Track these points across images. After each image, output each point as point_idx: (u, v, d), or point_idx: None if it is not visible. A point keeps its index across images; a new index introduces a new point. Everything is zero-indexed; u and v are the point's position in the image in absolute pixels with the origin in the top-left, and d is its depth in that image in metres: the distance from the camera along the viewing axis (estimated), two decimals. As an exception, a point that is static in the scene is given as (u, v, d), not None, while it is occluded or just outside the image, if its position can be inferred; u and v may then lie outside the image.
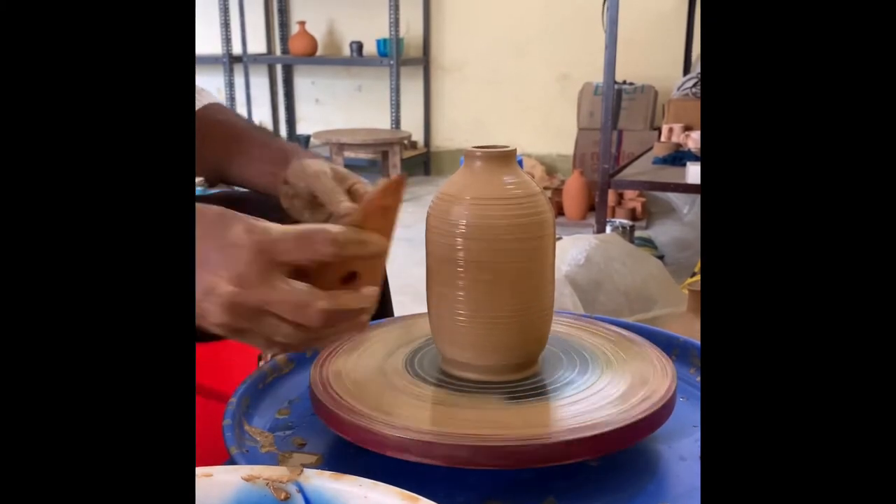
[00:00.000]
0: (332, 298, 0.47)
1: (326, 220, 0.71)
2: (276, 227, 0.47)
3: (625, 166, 2.64)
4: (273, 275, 0.46)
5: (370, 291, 0.49)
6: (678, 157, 2.55)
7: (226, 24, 4.40)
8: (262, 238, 0.46)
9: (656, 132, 3.38)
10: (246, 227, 0.46)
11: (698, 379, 0.75)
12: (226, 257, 0.46)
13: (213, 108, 0.90)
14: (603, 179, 2.28)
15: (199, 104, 0.91)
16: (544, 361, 0.69)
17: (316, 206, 0.73)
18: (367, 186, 0.70)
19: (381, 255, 0.49)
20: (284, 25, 4.64)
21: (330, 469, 0.44)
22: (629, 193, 3.30)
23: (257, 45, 4.66)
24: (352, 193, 0.68)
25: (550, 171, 4.06)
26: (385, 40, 4.18)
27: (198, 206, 0.47)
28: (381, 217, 0.51)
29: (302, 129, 4.73)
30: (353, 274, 0.49)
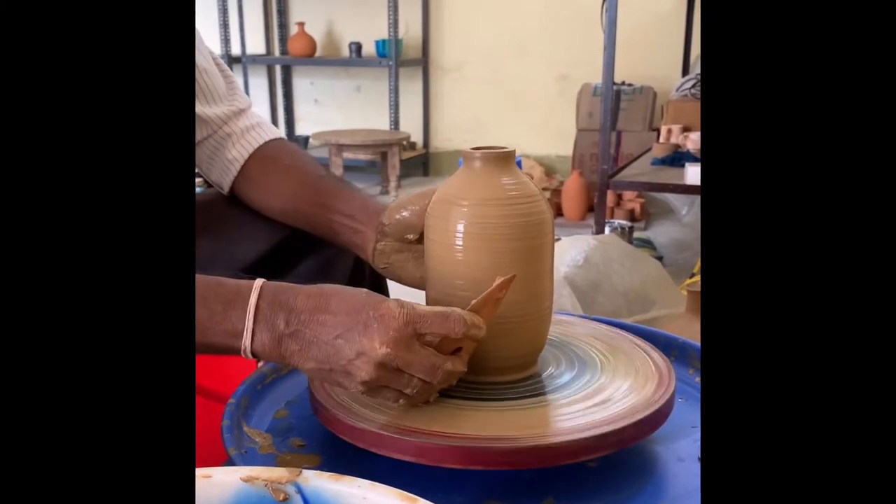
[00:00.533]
0: (452, 363, 0.58)
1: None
2: (420, 306, 0.58)
3: (624, 167, 2.64)
4: (414, 342, 0.56)
5: (467, 360, 0.60)
6: (677, 158, 2.55)
7: (225, 25, 4.39)
8: (411, 312, 0.56)
9: (655, 133, 3.38)
10: (398, 303, 0.57)
11: (697, 380, 0.75)
12: (381, 325, 0.55)
13: (294, 150, 0.96)
14: (602, 180, 2.28)
15: (263, 137, 0.95)
16: (543, 362, 0.69)
17: (404, 248, 0.76)
18: None
19: (478, 339, 0.60)
20: (283, 26, 4.64)
21: (329, 470, 0.44)
22: (628, 194, 3.30)
23: (256, 45, 4.66)
24: None
25: (549, 171, 4.06)
26: (384, 41, 4.18)
27: (349, 289, 0.59)
28: (493, 307, 0.61)
29: (301, 129, 4.73)
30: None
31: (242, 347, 0.59)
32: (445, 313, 0.57)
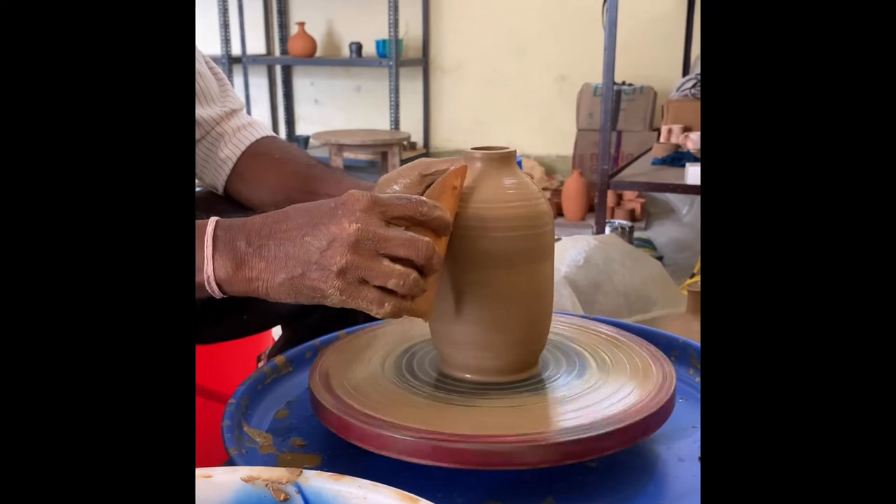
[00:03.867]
0: (432, 241, 0.57)
1: None
2: (381, 193, 0.56)
3: (624, 167, 2.64)
4: (383, 222, 0.55)
5: (442, 249, 0.59)
6: (677, 158, 2.55)
7: (225, 25, 4.39)
8: (374, 196, 0.55)
9: (655, 133, 3.38)
10: (359, 192, 0.55)
11: (697, 380, 0.75)
12: (347, 208, 0.54)
13: (285, 146, 0.96)
14: (602, 180, 2.28)
15: (254, 135, 0.95)
16: (543, 362, 0.69)
17: None
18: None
19: (447, 228, 0.59)
20: (284, 26, 4.64)
21: (329, 470, 0.44)
22: (628, 194, 3.30)
23: (256, 45, 4.66)
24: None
25: (550, 171, 4.06)
26: (384, 41, 4.18)
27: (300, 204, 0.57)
28: (451, 197, 0.61)
29: (301, 129, 4.73)
30: None
31: (206, 278, 0.57)
32: (408, 196, 0.56)
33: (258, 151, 0.95)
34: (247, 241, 0.56)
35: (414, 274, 0.55)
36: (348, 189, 0.79)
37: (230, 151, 0.94)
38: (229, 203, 0.95)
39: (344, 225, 0.54)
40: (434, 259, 0.56)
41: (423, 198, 0.57)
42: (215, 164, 0.94)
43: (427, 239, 0.56)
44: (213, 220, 0.58)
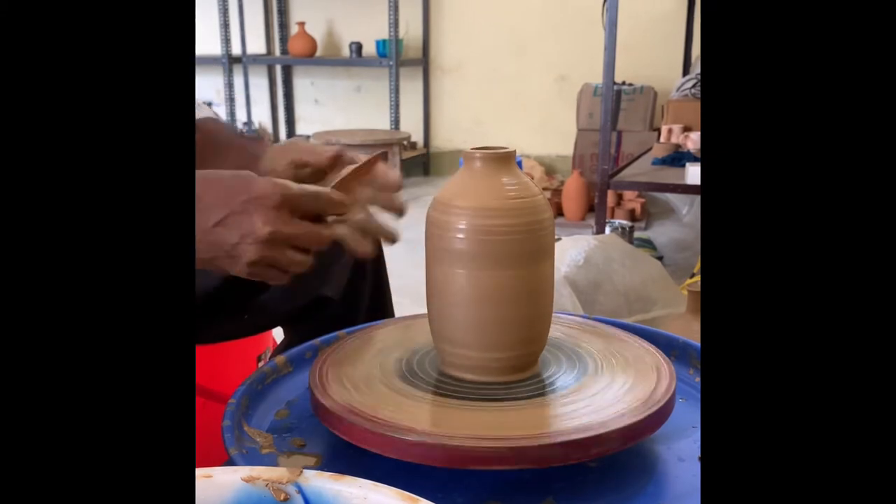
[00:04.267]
0: (330, 230, 0.62)
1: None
2: (293, 184, 0.59)
3: (624, 167, 2.64)
4: (292, 217, 0.59)
5: (342, 229, 0.63)
6: (677, 158, 2.55)
7: (225, 25, 4.39)
8: (285, 192, 0.58)
9: (655, 133, 3.38)
10: (271, 182, 0.58)
11: (697, 380, 0.75)
12: (258, 206, 0.57)
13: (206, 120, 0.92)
14: (602, 180, 2.28)
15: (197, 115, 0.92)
16: (543, 362, 0.69)
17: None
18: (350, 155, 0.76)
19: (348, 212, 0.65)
20: (284, 26, 4.64)
21: (330, 470, 0.44)
22: (628, 194, 3.30)
23: (256, 45, 4.66)
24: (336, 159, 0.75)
25: (550, 171, 4.06)
26: (384, 41, 4.18)
27: (211, 172, 0.59)
28: (356, 187, 0.66)
29: (301, 129, 4.73)
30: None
31: None
32: (317, 192, 0.60)
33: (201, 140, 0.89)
34: None
35: (311, 259, 0.61)
36: (240, 161, 0.77)
37: None
38: None
39: (257, 224, 0.57)
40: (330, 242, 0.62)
41: (331, 194, 0.61)
42: None
43: (328, 234, 0.61)
44: None
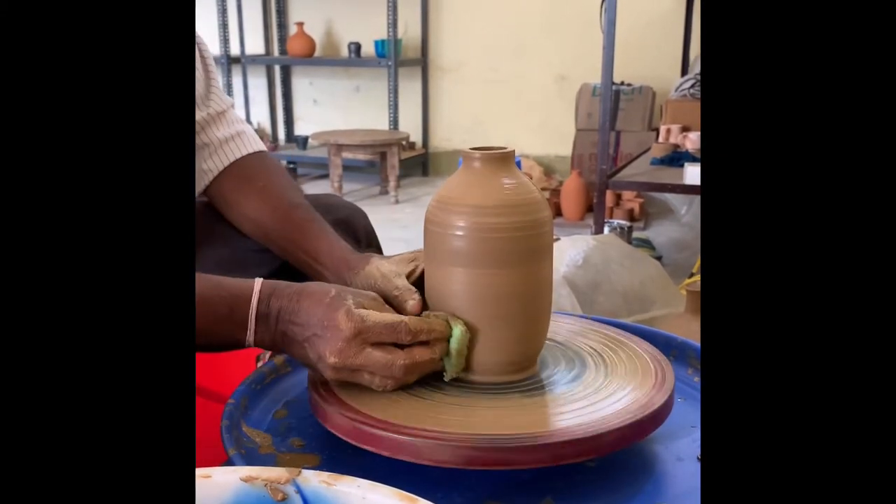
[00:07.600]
0: (409, 355, 0.62)
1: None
2: (370, 316, 0.62)
3: (623, 167, 2.64)
4: (365, 347, 0.61)
5: (436, 351, 0.64)
6: (676, 158, 2.55)
7: (224, 25, 4.39)
8: (358, 325, 0.61)
9: (654, 133, 3.38)
10: (347, 314, 0.61)
11: (696, 380, 0.75)
12: (331, 336, 0.61)
13: (271, 169, 0.95)
14: (601, 180, 2.28)
15: (241, 150, 0.94)
16: (543, 362, 0.69)
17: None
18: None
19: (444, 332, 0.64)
20: (282, 26, 4.64)
21: (328, 470, 0.44)
22: (627, 194, 3.30)
23: (255, 45, 4.66)
24: (412, 276, 0.74)
25: (548, 171, 4.06)
26: (383, 41, 4.17)
27: (317, 290, 0.64)
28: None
29: (300, 129, 4.73)
30: None
31: (247, 342, 0.66)
32: (392, 323, 0.62)
33: (243, 174, 0.93)
34: (277, 320, 0.65)
35: (394, 382, 0.62)
36: (329, 249, 0.83)
37: (213, 164, 0.92)
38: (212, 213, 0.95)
39: (326, 353, 0.61)
40: (425, 369, 0.63)
41: (408, 323, 0.62)
42: (196, 173, 0.92)
43: (401, 362, 0.61)
44: (256, 289, 0.65)
